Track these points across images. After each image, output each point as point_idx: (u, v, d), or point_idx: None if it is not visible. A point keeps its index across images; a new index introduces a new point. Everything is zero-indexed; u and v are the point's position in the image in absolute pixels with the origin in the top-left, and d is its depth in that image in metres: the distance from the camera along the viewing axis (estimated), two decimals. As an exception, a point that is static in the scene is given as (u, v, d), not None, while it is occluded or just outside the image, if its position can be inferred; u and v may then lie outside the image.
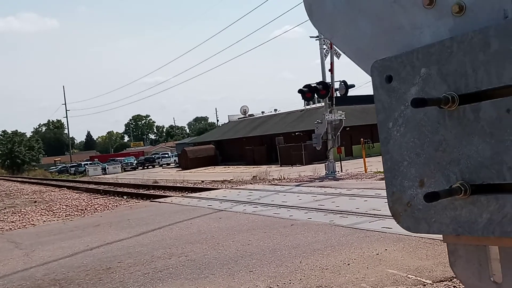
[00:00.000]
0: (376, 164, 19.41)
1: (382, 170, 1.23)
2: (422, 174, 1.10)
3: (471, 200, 1.01)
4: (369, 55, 1.26)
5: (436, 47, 1.03)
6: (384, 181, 1.20)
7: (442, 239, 1.14)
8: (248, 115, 56.64)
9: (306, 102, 38.48)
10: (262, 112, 55.48)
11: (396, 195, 1.18)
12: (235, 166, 42.23)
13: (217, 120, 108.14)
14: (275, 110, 54.02)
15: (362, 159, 20.55)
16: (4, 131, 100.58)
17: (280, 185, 16.95)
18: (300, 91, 18.93)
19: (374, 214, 8.58)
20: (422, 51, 1.07)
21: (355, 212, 9.11)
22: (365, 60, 1.29)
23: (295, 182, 17.62)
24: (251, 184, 18.87)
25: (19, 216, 15.35)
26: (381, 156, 1.21)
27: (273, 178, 20.59)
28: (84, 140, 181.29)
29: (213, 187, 19.24)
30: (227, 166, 43.82)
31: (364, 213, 8.89)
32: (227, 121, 61.95)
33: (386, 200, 1.18)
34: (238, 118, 57.15)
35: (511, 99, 0.91)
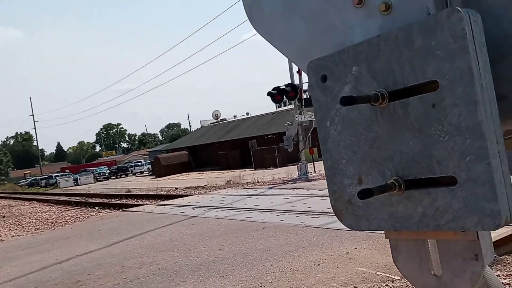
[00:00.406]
0: (347, 163, 19.61)
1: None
2: (360, 172, 1.11)
3: (406, 195, 1.01)
4: (306, 55, 1.26)
5: (365, 45, 1.04)
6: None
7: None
8: (220, 119, 56.54)
9: (277, 104, 38.64)
10: (234, 116, 55.49)
11: (337, 193, 1.19)
12: (209, 172, 42.07)
13: (190, 126, 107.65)
14: (247, 113, 54.07)
15: (334, 159, 20.66)
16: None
17: (253, 188, 16.95)
18: (269, 93, 18.99)
19: (345, 214, 8.64)
20: (353, 50, 1.08)
21: (327, 212, 9.16)
22: (303, 60, 1.29)
23: (268, 185, 17.65)
24: (225, 189, 18.82)
25: (-13, 232, 14.95)
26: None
27: (247, 182, 20.59)
28: (55, 152, 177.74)
29: (186, 194, 19.10)
30: (201, 172, 43.62)
31: (336, 213, 8.95)
32: (200, 126, 61.69)
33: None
34: (211, 123, 56.99)
35: (436, 94, 0.93)
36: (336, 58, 1.12)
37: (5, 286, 7.01)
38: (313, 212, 9.50)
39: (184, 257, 7.06)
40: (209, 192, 17.78)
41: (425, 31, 0.93)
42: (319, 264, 5.67)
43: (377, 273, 5.07)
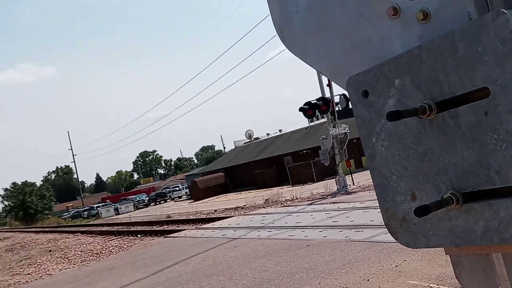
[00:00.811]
0: (386, 173, 19.28)
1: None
2: (413, 187, 1.06)
3: (465, 209, 0.97)
4: (343, 71, 1.23)
5: (406, 57, 1.01)
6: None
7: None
8: (254, 138, 56.71)
9: (309, 119, 38.51)
10: (267, 134, 55.54)
11: (390, 211, 1.15)
12: (247, 192, 42.10)
13: (224, 147, 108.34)
14: (280, 130, 54.08)
15: (372, 169, 20.35)
16: (14, 183, 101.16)
17: (292, 205, 16.82)
18: (301, 109, 18.95)
19: (389, 225, 8.44)
20: (393, 62, 1.04)
21: (370, 225, 8.98)
22: (340, 77, 1.26)
23: (308, 201, 17.49)
24: (264, 208, 18.75)
25: (35, 267, 15.30)
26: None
27: (286, 199, 20.46)
28: (94, 183, 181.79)
29: (226, 216, 19.13)
30: (238, 192, 43.68)
31: (380, 225, 8.76)
32: (234, 147, 62.04)
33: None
34: (244, 143, 57.22)
35: (488, 101, 0.88)
36: (377, 72, 1.09)
37: (57, 320, 7.13)
38: (356, 226, 9.33)
39: (230, 281, 7.03)
40: (248, 213, 17.74)
41: (470, 37, 0.89)
42: (368, 280, 5.53)
43: (430, 285, 4.90)
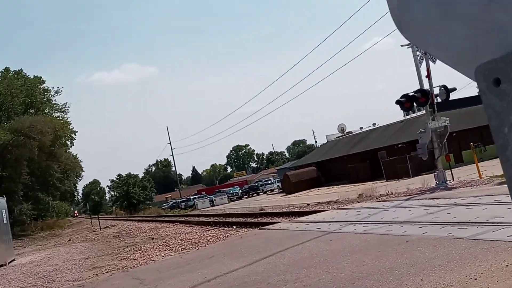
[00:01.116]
0: (491, 168, 18.09)
1: (499, 174, 1.15)
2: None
3: None
4: (470, 59, 1.19)
5: (546, 41, 0.96)
6: (505, 185, 1.12)
7: None
8: (346, 132, 55.85)
9: (405, 112, 37.13)
10: (360, 128, 54.40)
11: (521, 203, 1.10)
12: (339, 186, 41.62)
13: (316, 142, 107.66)
14: (374, 124, 52.74)
15: (475, 164, 19.26)
16: (119, 175, 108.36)
17: (388, 200, 16.38)
18: (398, 102, 18.35)
19: (497, 223, 7.95)
20: (531, 48, 1.00)
21: (475, 222, 8.51)
22: (466, 65, 1.22)
23: (404, 196, 16.92)
24: (358, 202, 18.44)
25: (140, 253, 16.32)
26: (498, 160, 1.13)
27: (380, 194, 19.95)
28: (191, 175, 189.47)
29: (319, 209, 19.08)
30: (331, 187, 43.31)
31: (485, 223, 8.27)
32: (326, 141, 61.54)
33: (509, 207, 1.10)
34: (337, 137, 56.55)
35: None
36: (510, 59, 1.05)
37: (162, 303, 7.56)
38: (460, 222, 8.88)
39: (327, 274, 7.03)
40: (342, 207, 17.55)
41: None
42: (475, 279, 5.26)
43: (546, 288, 4.56)
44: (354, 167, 43.72)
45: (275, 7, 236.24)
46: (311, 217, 15.50)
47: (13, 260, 23.34)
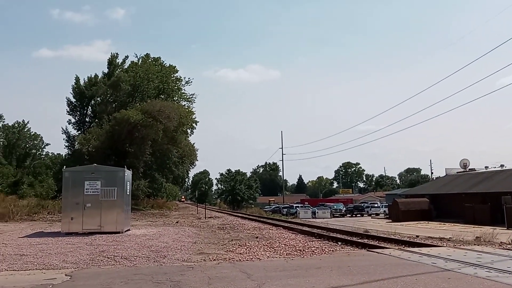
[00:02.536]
0: None
1: None
2: None
3: None
4: None
5: None
6: None
7: None
8: (469, 169, 52.41)
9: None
10: (486, 167, 50.72)
11: None
12: (452, 224, 39.21)
13: (432, 173, 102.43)
14: (502, 165, 48.90)
15: None
16: (229, 170, 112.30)
17: (513, 250, 15.04)
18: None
19: None
20: None
21: None
22: None
23: (532, 249, 15.41)
24: (476, 245, 17.19)
25: (245, 249, 16.75)
26: None
27: (501, 242, 18.41)
28: (296, 183, 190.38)
29: (432, 244, 18.12)
30: (442, 223, 40.93)
31: None
32: (444, 174, 58.30)
33: None
34: (457, 172, 53.32)
35: None
36: None
37: (271, 302, 7.68)
38: None
39: (448, 312, 6.64)
40: (459, 247, 16.47)
41: None
42: None
43: None
44: (472, 207, 40.89)
45: (415, 24, 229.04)
46: (424, 250, 14.76)
47: (128, 230, 25.27)
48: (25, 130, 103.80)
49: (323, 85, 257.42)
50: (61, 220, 24.36)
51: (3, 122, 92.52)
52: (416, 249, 15.29)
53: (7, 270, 12.06)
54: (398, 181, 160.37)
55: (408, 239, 20.98)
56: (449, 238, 21.81)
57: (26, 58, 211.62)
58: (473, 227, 33.46)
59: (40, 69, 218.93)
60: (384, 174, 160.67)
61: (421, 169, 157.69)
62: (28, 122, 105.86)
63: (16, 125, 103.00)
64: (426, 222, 43.00)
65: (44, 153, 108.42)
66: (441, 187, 51.52)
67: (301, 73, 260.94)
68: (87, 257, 14.57)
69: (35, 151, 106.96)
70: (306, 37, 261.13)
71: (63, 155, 77.48)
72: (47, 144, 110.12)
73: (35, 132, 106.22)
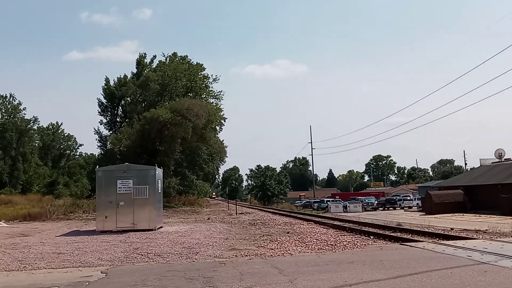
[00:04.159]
0: None
1: None
2: None
3: None
4: None
5: None
6: None
7: None
8: (505, 159, 51.03)
9: None
10: (522, 157, 49.30)
11: None
12: (487, 216, 38.29)
13: (465, 164, 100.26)
14: (539, 154, 47.39)
15: None
16: (258, 166, 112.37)
17: (553, 242, 14.59)
18: None
19: None
20: None
21: None
22: None
23: None
24: (514, 237, 16.76)
25: (276, 244, 16.77)
26: None
27: (540, 234, 17.90)
28: (326, 177, 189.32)
29: (467, 236, 17.76)
30: (477, 215, 40.02)
31: None
32: (478, 165, 56.96)
33: None
34: (492, 163, 52.00)
35: None
36: None
37: (303, 297, 7.66)
38: None
39: (485, 306, 6.50)
40: (495, 239, 16.09)
41: None
42: None
43: None
44: (508, 198, 39.82)
45: (443, 16, 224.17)
46: (459, 243, 14.46)
47: (161, 227, 25.63)
48: (59, 131, 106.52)
49: (352, 79, 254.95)
50: (96, 218, 24.93)
51: (38, 124, 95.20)
52: (450, 242, 15.01)
53: (46, 268, 12.41)
54: (430, 173, 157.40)
55: (442, 232, 20.61)
56: (485, 230, 21.34)
57: (57, 61, 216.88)
58: (510, 218, 32.60)
59: (71, 72, 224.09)
60: (416, 166, 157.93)
61: (454, 161, 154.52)
62: (61, 123, 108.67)
63: (51, 127, 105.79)
64: (461, 214, 42.12)
65: (78, 153, 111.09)
66: (476, 178, 50.36)
67: (328, 66, 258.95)
68: (121, 254, 14.85)
69: (69, 151, 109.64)
70: (334, 31, 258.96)
71: (96, 155, 79.27)
72: (81, 145, 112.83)
73: (69, 133, 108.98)
